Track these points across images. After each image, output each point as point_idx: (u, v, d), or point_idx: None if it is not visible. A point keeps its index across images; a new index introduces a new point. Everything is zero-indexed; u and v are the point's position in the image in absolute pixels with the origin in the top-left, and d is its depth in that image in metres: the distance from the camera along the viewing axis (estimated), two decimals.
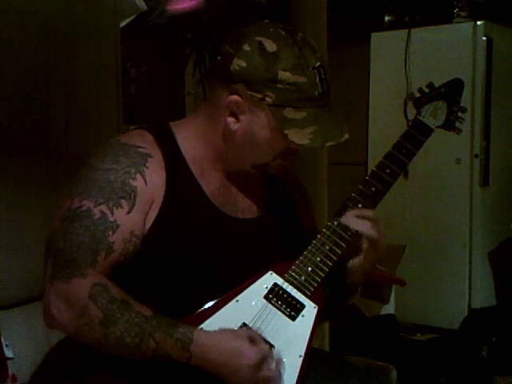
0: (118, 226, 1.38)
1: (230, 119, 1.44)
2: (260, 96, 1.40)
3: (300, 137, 1.39)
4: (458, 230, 4.13)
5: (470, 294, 4.09)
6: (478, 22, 4.06)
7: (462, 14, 4.13)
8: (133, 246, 1.40)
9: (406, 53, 4.21)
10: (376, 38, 4.43)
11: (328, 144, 1.41)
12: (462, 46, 4.08)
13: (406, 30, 4.23)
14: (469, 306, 4.08)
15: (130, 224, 1.39)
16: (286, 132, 1.39)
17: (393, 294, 3.64)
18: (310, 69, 1.40)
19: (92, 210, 1.37)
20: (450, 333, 4.00)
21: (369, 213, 1.50)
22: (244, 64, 1.40)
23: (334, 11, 3.10)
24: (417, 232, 4.22)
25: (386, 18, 4.40)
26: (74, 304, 1.32)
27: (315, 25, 2.91)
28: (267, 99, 1.40)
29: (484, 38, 4.06)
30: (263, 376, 1.37)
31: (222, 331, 1.39)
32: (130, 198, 1.40)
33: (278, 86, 1.38)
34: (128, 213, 1.39)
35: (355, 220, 1.49)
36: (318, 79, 1.40)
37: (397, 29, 4.32)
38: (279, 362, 1.41)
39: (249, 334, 1.39)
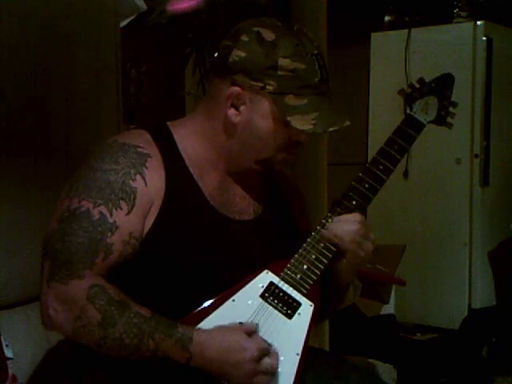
0: (117, 228, 1.37)
1: (231, 111, 1.44)
2: (261, 84, 1.41)
3: (303, 123, 1.40)
4: (458, 230, 4.12)
5: (469, 294, 4.09)
6: (478, 22, 4.06)
7: (462, 14, 4.12)
8: (131, 248, 1.40)
9: (406, 53, 4.21)
10: (376, 38, 4.42)
11: (331, 129, 1.42)
12: (462, 45, 4.07)
13: (406, 30, 4.23)
14: (469, 305, 4.08)
15: (130, 225, 1.39)
16: (289, 119, 1.40)
17: (393, 294, 3.64)
18: (309, 56, 1.41)
19: (91, 211, 1.37)
20: (450, 333, 3.99)
21: (353, 218, 1.49)
22: (243, 54, 1.41)
23: (334, 11, 3.10)
24: (417, 232, 4.22)
25: (386, 18, 4.39)
26: (72, 306, 1.32)
27: (315, 25, 2.91)
28: (268, 87, 1.40)
29: (484, 38, 4.06)
30: (263, 368, 1.37)
31: (219, 328, 1.39)
32: (130, 200, 1.39)
33: (279, 73, 1.39)
34: (127, 214, 1.39)
35: (335, 231, 1.48)
36: (317, 66, 1.42)
37: (397, 29, 4.31)
38: (276, 355, 1.41)
39: (245, 329, 1.39)
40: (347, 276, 1.57)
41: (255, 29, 1.43)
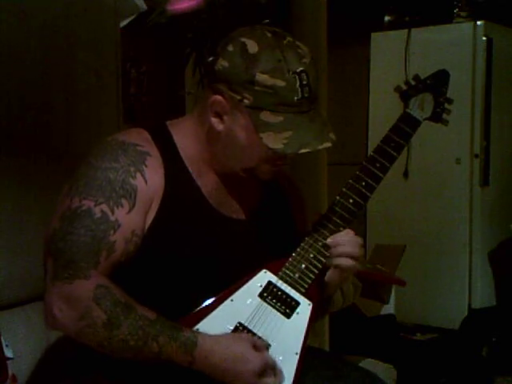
0: (119, 226, 1.38)
1: (215, 119, 1.44)
2: (239, 97, 1.39)
3: (274, 141, 1.38)
4: (458, 229, 4.13)
5: (469, 294, 4.09)
6: (478, 22, 4.06)
7: (462, 14, 4.13)
8: (133, 246, 1.40)
9: (406, 53, 4.21)
10: (376, 37, 4.43)
11: (302, 151, 1.38)
12: (462, 46, 4.08)
13: (406, 30, 4.24)
14: (469, 305, 4.08)
15: (131, 223, 1.39)
16: (261, 135, 1.38)
17: (393, 294, 3.64)
18: (291, 73, 1.37)
19: (92, 209, 1.37)
20: (450, 333, 4.00)
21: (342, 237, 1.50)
22: (226, 64, 1.40)
23: (334, 11, 3.10)
24: (417, 232, 4.22)
25: (386, 18, 4.40)
26: (77, 305, 1.32)
27: (315, 25, 2.91)
28: (245, 101, 1.39)
29: (484, 38, 4.06)
30: (264, 383, 1.37)
31: (226, 336, 1.40)
32: (131, 198, 1.40)
33: (256, 88, 1.37)
34: (129, 212, 1.39)
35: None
36: (298, 84, 1.37)
37: (397, 29, 4.32)
38: (279, 370, 1.41)
39: (253, 341, 1.40)
40: (336, 287, 1.58)
41: (242, 39, 1.40)
